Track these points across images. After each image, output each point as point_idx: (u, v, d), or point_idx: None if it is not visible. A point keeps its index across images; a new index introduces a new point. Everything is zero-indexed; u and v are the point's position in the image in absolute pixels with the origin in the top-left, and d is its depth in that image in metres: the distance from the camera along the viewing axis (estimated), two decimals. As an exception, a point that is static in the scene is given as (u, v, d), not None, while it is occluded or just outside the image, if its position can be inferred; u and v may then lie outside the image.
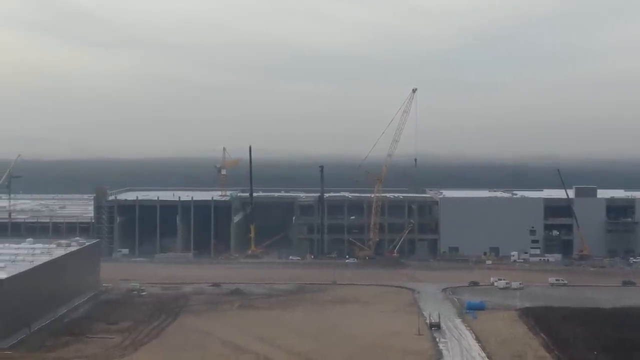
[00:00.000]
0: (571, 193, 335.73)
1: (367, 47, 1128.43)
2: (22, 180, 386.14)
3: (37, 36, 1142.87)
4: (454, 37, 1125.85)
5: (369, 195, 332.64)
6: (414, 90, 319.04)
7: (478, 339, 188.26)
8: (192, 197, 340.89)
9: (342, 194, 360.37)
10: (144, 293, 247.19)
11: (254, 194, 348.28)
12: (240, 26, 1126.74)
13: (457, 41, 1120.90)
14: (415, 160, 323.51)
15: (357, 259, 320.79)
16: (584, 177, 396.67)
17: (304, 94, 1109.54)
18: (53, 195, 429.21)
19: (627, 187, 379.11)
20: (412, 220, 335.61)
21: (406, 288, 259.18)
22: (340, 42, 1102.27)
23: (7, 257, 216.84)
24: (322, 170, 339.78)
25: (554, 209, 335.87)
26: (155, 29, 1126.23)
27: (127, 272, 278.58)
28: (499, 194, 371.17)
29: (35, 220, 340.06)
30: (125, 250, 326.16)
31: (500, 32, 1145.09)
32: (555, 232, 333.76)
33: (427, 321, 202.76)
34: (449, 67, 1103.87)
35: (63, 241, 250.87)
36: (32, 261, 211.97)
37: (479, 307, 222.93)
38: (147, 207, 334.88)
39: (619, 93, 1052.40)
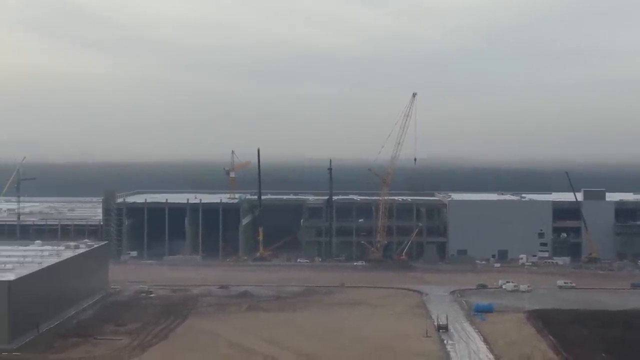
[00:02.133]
0: (580, 196, 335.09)
1: (371, 48, 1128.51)
2: (29, 183, 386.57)
3: (41, 38, 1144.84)
4: (459, 38, 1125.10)
5: (377, 198, 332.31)
6: (414, 95, 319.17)
7: (486, 341, 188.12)
8: (200, 200, 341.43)
9: (350, 196, 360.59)
10: (152, 295, 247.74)
11: (263, 197, 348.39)
12: (245, 28, 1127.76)
13: (463, 42, 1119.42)
14: (415, 159, 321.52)
15: (365, 261, 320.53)
16: (594, 181, 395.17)
17: (308, 97, 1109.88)
18: (62, 198, 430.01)
19: (636, 191, 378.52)
20: (420, 223, 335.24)
21: (414, 290, 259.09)
22: (340, 44, 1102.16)
23: (16, 259, 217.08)
24: (330, 173, 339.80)
25: (562, 211, 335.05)
26: (160, 31, 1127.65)
27: (135, 274, 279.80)
28: (508, 197, 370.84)
29: (43, 223, 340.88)
30: (134, 253, 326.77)
31: (507, 33, 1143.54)
32: (563, 235, 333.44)
33: (435, 323, 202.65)
34: (456, 70, 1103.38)
35: (72, 243, 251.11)
36: (41, 263, 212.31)
37: (487, 310, 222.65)
38: (156, 210, 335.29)
39: (629, 95, 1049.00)
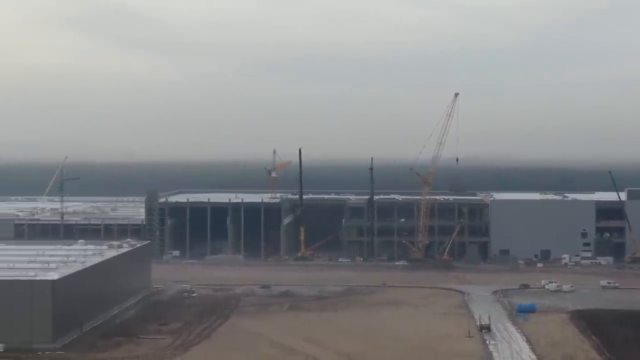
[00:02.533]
0: (623, 195, 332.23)
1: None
2: (71, 183, 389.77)
3: (76, 37, 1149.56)
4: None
5: (418, 197, 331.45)
6: (457, 95, 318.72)
7: (528, 341, 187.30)
8: (242, 199, 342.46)
9: (391, 196, 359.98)
10: (194, 294, 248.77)
11: (304, 197, 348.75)
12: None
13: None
14: (457, 159, 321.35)
15: (407, 261, 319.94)
16: (637, 180, 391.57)
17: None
18: (105, 197, 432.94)
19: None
20: (461, 220, 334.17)
21: (456, 290, 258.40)
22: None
23: (59, 259, 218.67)
24: (371, 172, 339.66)
25: (605, 211, 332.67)
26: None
27: (177, 273, 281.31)
28: (550, 196, 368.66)
29: (87, 222, 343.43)
30: (176, 252, 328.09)
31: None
32: (607, 235, 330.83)
33: (478, 323, 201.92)
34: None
35: (115, 242, 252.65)
36: (84, 262, 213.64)
37: (530, 310, 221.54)
38: (198, 209, 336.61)
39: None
